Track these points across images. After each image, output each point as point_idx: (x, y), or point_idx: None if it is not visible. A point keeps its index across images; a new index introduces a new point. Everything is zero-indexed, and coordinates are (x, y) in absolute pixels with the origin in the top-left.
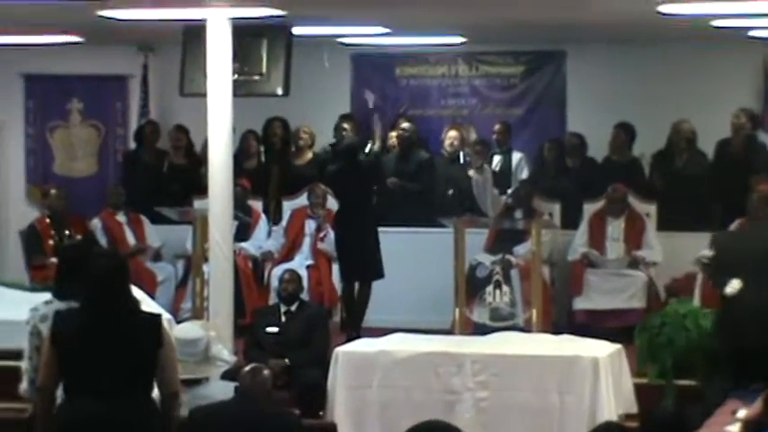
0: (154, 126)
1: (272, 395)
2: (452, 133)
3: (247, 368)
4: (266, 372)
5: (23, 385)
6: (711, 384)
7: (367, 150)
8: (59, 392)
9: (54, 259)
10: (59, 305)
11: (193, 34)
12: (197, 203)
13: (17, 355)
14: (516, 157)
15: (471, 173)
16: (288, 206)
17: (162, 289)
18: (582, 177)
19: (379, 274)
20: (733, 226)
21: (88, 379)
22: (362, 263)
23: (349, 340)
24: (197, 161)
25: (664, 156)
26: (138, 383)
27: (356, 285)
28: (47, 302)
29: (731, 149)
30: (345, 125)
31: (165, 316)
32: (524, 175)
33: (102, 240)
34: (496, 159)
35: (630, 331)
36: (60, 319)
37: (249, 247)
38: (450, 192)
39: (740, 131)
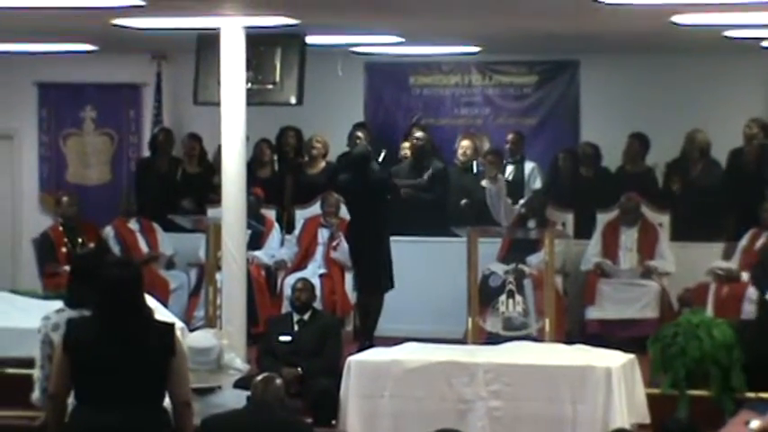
0: (167, 134)
1: (285, 404)
2: (465, 143)
3: (259, 377)
4: (278, 381)
5: (35, 393)
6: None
7: (380, 159)
8: (71, 400)
9: (67, 267)
10: (71, 313)
11: (207, 43)
12: (210, 212)
13: (30, 363)
14: (529, 166)
15: (485, 182)
16: (301, 215)
17: (175, 297)
18: (596, 187)
19: (388, 286)
20: (746, 237)
21: (100, 387)
22: (374, 273)
23: (362, 349)
24: (210, 169)
25: (678, 165)
26: (149, 393)
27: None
28: (58, 311)
29: (744, 159)
30: (359, 133)
31: (178, 324)
32: (537, 184)
33: (115, 248)
34: (509, 169)
35: (643, 341)
36: (73, 326)
37: (262, 255)
38: (464, 201)
39: (753, 141)
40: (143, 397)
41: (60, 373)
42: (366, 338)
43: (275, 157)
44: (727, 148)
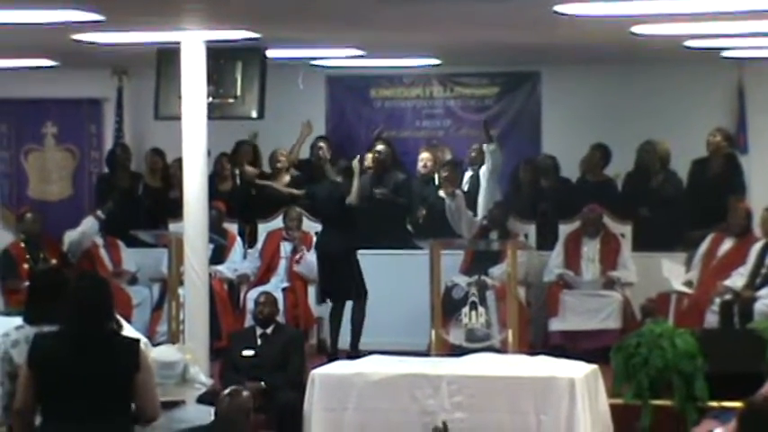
0: (124, 149)
1: (251, 417)
2: (425, 155)
3: (226, 391)
4: (245, 393)
5: None
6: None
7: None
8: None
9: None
10: (30, 330)
11: (168, 57)
12: (172, 226)
13: None
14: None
15: (442, 193)
16: (263, 228)
17: (138, 312)
18: (557, 198)
19: (365, 292)
20: (706, 241)
21: (66, 403)
22: (352, 281)
23: (330, 361)
24: (170, 184)
25: (635, 176)
26: (115, 408)
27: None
28: (18, 327)
29: (710, 168)
30: (321, 144)
31: (142, 339)
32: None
33: None
34: (467, 176)
35: (606, 352)
36: (39, 342)
37: (225, 269)
38: (422, 212)
39: (719, 151)
40: (109, 412)
41: (26, 388)
42: (351, 349)
43: (236, 171)
44: (688, 157)
